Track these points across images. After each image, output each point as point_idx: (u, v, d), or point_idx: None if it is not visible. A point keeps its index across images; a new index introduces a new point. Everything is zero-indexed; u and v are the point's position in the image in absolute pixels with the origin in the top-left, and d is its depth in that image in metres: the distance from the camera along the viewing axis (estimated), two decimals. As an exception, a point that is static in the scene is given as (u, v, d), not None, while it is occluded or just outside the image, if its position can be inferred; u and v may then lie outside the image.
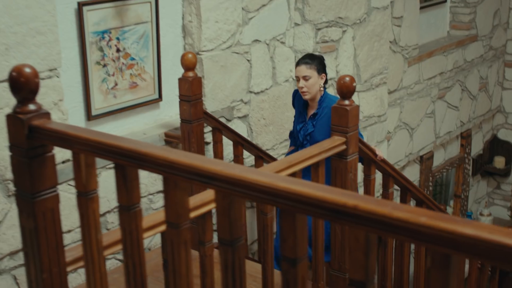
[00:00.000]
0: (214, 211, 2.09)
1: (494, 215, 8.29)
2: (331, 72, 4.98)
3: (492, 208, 8.41)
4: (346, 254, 3.31)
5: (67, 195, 3.54)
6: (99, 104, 3.77)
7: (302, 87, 3.90)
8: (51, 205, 2.03)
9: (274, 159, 4.12)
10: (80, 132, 1.86)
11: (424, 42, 6.73)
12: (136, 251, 1.83)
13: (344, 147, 3.17)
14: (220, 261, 1.64)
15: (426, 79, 6.56)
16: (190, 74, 3.78)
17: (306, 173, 3.19)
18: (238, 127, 4.41)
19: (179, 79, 3.81)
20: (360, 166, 3.53)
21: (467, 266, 5.02)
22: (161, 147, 1.72)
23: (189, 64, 3.77)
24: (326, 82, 4.01)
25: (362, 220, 1.36)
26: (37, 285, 2.08)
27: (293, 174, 2.77)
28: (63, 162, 3.49)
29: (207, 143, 4.15)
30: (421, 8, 6.42)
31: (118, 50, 3.82)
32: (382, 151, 4.43)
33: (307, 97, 3.93)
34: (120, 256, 3.86)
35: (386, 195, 3.81)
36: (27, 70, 1.93)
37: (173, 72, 4.17)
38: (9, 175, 3.28)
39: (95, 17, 3.66)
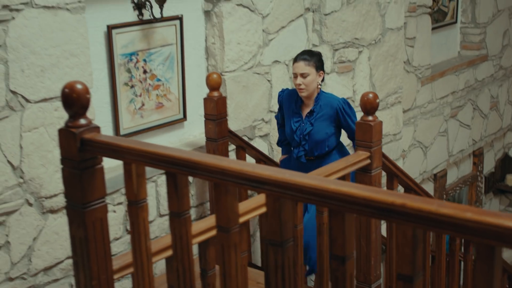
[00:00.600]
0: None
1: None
2: (347, 92, 5.10)
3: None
4: (371, 265, 3.40)
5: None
6: (127, 124, 3.89)
7: (299, 84, 3.83)
8: (100, 215, 2.13)
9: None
10: (132, 143, 1.97)
11: (436, 62, 6.86)
12: (186, 256, 1.93)
13: (368, 161, 3.27)
14: (269, 262, 1.73)
15: (439, 98, 6.67)
16: (215, 93, 3.90)
17: None
18: (260, 145, 4.52)
19: (205, 99, 3.93)
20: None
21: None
22: (210, 156, 1.82)
23: (214, 84, 3.89)
24: (323, 79, 3.96)
25: (410, 217, 1.45)
26: (86, 292, 2.18)
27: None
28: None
29: (231, 161, 4.25)
30: (433, 29, 6.55)
31: (145, 72, 3.94)
32: None
33: (304, 94, 3.86)
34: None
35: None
36: (79, 86, 2.04)
37: (196, 93, 4.29)
38: (44, 192, 3.40)
39: (123, 39, 3.79)
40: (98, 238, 2.15)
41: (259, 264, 4.38)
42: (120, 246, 3.79)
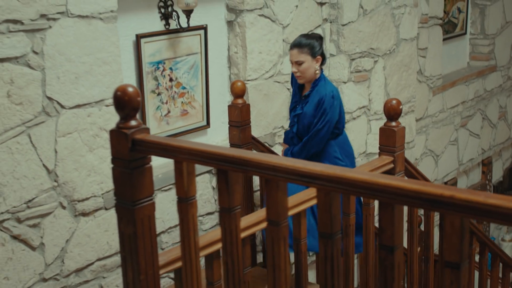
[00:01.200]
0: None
1: (517, 241, 8.45)
2: (363, 100, 5.21)
3: (513, 235, 8.57)
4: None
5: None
6: (153, 130, 4.00)
7: (296, 72, 3.87)
8: (148, 212, 2.24)
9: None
10: (182, 142, 2.08)
11: (446, 72, 6.98)
12: (235, 249, 2.04)
13: (391, 165, 3.38)
14: (320, 254, 1.84)
15: (450, 108, 6.79)
16: (239, 101, 4.01)
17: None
18: (279, 152, 4.63)
19: (229, 106, 4.05)
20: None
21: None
22: (261, 153, 1.93)
23: (238, 92, 4.00)
24: (323, 63, 3.92)
25: (458, 207, 1.56)
26: (134, 286, 2.28)
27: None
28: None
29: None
30: (443, 40, 6.68)
31: (171, 80, 4.06)
32: None
33: (301, 81, 3.91)
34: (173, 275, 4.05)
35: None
36: (130, 89, 2.15)
37: (219, 101, 4.41)
38: (77, 196, 3.50)
39: (151, 48, 3.91)
40: (146, 234, 2.25)
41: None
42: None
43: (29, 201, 3.31)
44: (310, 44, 3.84)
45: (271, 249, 1.94)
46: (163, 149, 2.11)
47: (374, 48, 5.22)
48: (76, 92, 3.42)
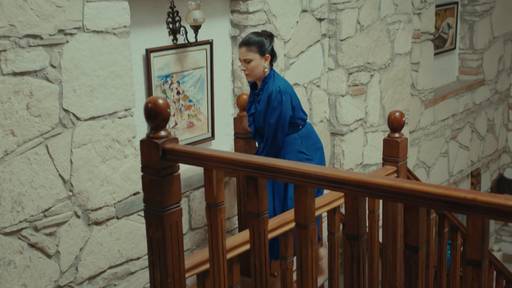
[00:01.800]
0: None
1: (504, 251, 8.63)
2: (360, 113, 5.37)
3: (501, 244, 8.76)
4: (397, 273, 3.63)
5: (137, 224, 3.86)
6: (161, 142, 4.11)
7: (244, 70, 3.85)
8: (176, 218, 2.36)
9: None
10: (212, 151, 2.21)
11: (436, 86, 7.17)
12: (263, 252, 2.16)
13: (395, 175, 3.52)
14: (346, 254, 1.97)
15: (440, 121, 6.97)
16: (245, 113, 4.15)
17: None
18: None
19: (235, 118, 4.18)
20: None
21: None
22: (288, 161, 2.06)
23: (244, 104, 4.14)
24: (273, 60, 3.88)
25: (480, 209, 1.70)
26: (161, 289, 2.39)
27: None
28: (134, 194, 3.82)
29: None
30: (433, 54, 6.87)
31: (178, 93, 4.19)
32: None
33: (250, 79, 3.90)
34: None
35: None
36: (160, 101, 2.28)
37: (223, 113, 4.54)
38: (90, 205, 3.61)
39: (160, 62, 4.03)
40: (174, 239, 2.37)
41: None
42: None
43: (46, 210, 3.41)
44: (258, 42, 3.81)
45: (299, 251, 2.07)
46: (193, 158, 2.24)
47: (370, 63, 5.38)
48: (91, 105, 3.54)
